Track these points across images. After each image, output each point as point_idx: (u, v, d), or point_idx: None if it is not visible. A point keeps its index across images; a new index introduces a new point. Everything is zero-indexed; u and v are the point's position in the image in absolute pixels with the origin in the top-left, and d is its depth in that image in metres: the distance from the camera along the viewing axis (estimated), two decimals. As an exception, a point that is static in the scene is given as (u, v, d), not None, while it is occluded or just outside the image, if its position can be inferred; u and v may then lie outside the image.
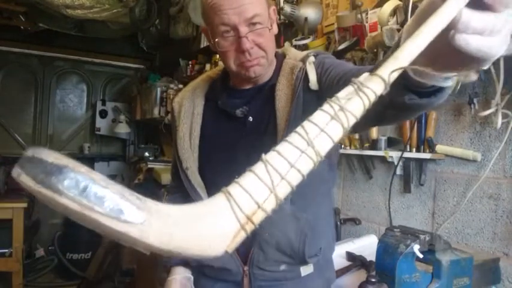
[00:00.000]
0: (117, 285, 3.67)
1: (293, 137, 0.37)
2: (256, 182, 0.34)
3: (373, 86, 0.38)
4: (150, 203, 0.32)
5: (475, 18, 0.40)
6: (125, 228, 0.29)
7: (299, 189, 0.85)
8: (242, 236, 0.33)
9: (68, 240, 4.29)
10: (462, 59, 0.42)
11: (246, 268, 1.03)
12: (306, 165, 0.36)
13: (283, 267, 1.03)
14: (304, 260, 1.02)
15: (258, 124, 1.01)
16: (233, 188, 0.34)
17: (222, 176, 0.98)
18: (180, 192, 1.15)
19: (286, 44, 2.15)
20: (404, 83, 0.51)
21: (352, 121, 0.38)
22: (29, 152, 0.32)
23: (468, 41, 0.40)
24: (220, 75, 1.12)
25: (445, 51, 0.42)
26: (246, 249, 1.02)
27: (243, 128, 1.02)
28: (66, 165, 0.30)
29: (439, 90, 0.53)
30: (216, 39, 0.94)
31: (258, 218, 0.34)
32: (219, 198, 0.34)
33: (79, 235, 4.25)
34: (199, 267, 1.14)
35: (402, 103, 0.56)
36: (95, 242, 4.12)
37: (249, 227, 0.33)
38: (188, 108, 1.09)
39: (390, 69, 0.38)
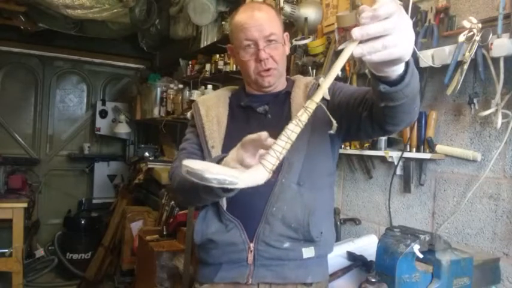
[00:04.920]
0: (117, 285, 3.67)
1: (281, 137, 0.80)
2: (271, 155, 0.80)
3: (311, 105, 0.79)
4: (239, 172, 0.80)
5: (365, 47, 0.68)
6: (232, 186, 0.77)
7: (306, 173, 1.14)
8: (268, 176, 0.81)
9: (68, 240, 4.29)
10: (382, 63, 0.72)
11: (251, 245, 1.11)
12: (288, 147, 0.80)
13: (286, 244, 1.11)
14: (308, 234, 1.10)
15: (276, 120, 1.18)
16: (263, 161, 0.81)
17: None
18: None
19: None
20: (377, 77, 0.79)
21: (304, 123, 0.79)
22: (190, 168, 0.76)
23: (371, 59, 0.69)
24: (240, 87, 1.33)
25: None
26: (254, 226, 1.11)
27: (264, 122, 1.20)
28: (205, 170, 0.75)
29: (401, 79, 0.78)
30: (240, 51, 1.17)
31: (273, 169, 0.81)
32: (259, 166, 0.80)
33: (79, 235, 4.26)
34: (206, 250, 1.18)
35: (380, 92, 0.81)
36: (94, 242, 4.13)
37: (271, 173, 0.81)
38: (214, 102, 1.28)
39: (319, 95, 0.79)
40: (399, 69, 0.76)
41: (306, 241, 1.12)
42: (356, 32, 0.68)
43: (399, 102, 0.83)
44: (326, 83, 0.78)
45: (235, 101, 1.28)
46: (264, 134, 0.85)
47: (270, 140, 0.83)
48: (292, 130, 0.79)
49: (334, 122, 0.85)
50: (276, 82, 1.22)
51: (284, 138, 0.79)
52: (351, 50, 0.70)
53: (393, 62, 0.72)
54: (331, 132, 0.87)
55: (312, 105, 0.79)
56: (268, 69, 1.17)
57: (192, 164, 0.76)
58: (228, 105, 1.28)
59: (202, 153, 1.21)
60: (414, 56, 1.51)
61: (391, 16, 0.67)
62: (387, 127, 0.96)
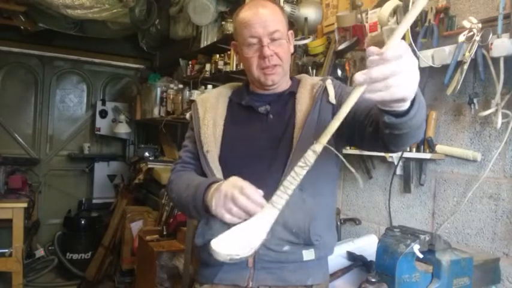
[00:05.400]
0: (117, 285, 3.67)
1: (290, 179, 0.87)
2: (283, 198, 0.87)
3: (318, 148, 0.85)
4: (253, 225, 0.90)
5: (371, 88, 0.70)
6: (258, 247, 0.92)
7: (309, 178, 1.06)
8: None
9: (68, 240, 4.29)
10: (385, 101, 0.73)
11: None
12: (296, 184, 0.87)
13: (286, 247, 1.10)
14: (308, 238, 1.09)
15: (278, 121, 1.18)
16: (274, 202, 0.87)
17: (245, 161, 1.13)
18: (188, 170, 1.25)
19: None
20: (382, 109, 0.80)
21: (312, 164, 0.86)
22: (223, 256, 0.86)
23: (371, 98, 0.71)
24: (243, 84, 1.30)
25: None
26: None
27: (264, 123, 1.18)
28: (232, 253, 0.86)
29: (406, 111, 0.78)
30: (244, 48, 1.16)
31: (282, 207, 0.88)
32: (271, 207, 0.88)
33: (79, 235, 4.26)
34: (206, 252, 1.17)
35: (384, 122, 0.82)
36: (94, 242, 4.13)
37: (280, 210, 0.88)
38: (213, 103, 1.25)
39: (326, 138, 0.84)
40: (404, 105, 0.76)
41: (306, 245, 1.11)
42: (358, 78, 0.70)
43: (404, 131, 0.84)
44: (333, 125, 0.82)
45: (236, 100, 1.26)
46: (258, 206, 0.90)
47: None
48: (301, 173, 0.86)
49: (341, 156, 0.93)
50: (280, 80, 1.20)
51: (294, 181, 0.86)
52: (358, 94, 0.74)
53: (396, 100, 0.72)
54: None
55: (319, 148, 0.85)
56: (274, 66, 1.15)
57: (225, 249, 0.85)
58: (227, 105, 1.25)
59: (197, 161, 1.20)
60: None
61: (398, 59, 0.67)
62: (391, 147, 0.96)
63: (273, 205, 0.86)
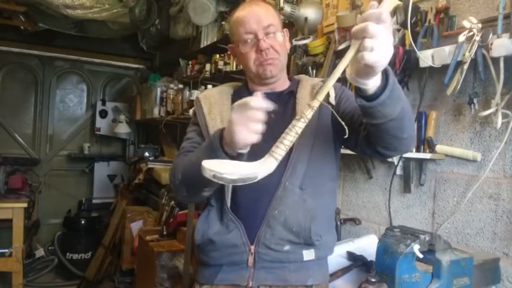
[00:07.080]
0: (117, 285, 3.67)
1: (289, 132, 0.88)
2: (281, 148, 0.88)
3: (316, 104, 0.86)
4: (254, 166, 0.89)
5: (365, 54, 0.73)
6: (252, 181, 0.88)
7: (309, 177, 1.16)
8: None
9: (68, 240, 4.29)
10: (366, 68, 0.75)
11: (252, 247, 1.11)
12: (294, 140, 0.89)
13: (287, 247, 1.11)
14: (309, 237, 1.10)
15: (279, 121, 1.16)
16: (273, 151, 0.89)
17: (249, 158, 1.11)
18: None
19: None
20: (356, 90, 0.84)
21: (309, 119, 0.87)
22: (217, 173, 0.85)
23: (365, 58, 0.72)
24: (243, 84, 1.32)
25: (360, 68, 0.77)
26: (255, 230, 1.11)
27: (267, 121, 1.16)
28: (229, 172, 0.85)
29: (375, 96, 0.82)
30: (240, 45, 1.18)
31: (281, 158, 0.89)
32: (270, 157, 0.89)
33: (79, 235, 4.26)
34: (205, 252, 1.18)
35: (359, 106, 0.86)
36: (94, 242, 4.13)
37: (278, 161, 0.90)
38: (217, 99, 1.26)
39: (323, 94, 0.85)
40: (373, 83, 0.80)
41: (306, 244, 1.12)
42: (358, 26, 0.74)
43: (378, 121, 0.86)
44: (330, 82, 0.83)
45: (238, 98, 1.25)
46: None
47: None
48: (299, 126, 0.88)
49: (345, 126, 0.90)
50: (278, 74, 1.20)
51: (292, 133, 0.88)
52: (354, 50, 0.75)
53: (366, 71, 0.76)
54: (345, 136, 0.91)
55: (316, 104, 0.85)
56: (271, 59, 1.16)
57: (212, 166, 0.86)
58: (230, 101, 1.26)
59: None
60: (414, 58, 1.52)
61: (381, 23, 0.71)
62: (378, 148, 0.97)
63: (270, 154, 0.89)
